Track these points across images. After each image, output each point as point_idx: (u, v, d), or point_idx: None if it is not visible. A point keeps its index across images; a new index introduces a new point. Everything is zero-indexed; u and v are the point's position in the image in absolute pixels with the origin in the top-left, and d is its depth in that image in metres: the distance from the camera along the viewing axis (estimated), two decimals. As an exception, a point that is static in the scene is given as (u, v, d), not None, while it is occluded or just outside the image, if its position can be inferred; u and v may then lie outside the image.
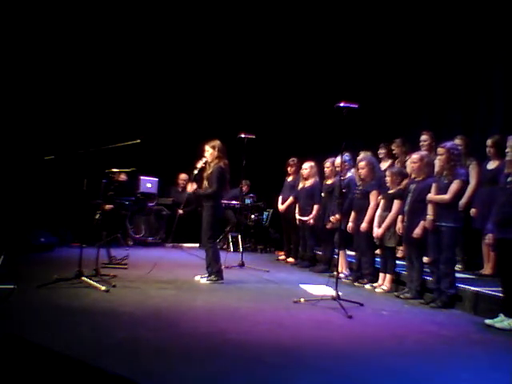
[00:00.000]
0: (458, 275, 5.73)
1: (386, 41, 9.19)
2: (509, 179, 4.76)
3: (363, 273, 6.67)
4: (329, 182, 7.56)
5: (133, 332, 4.05)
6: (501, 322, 4.63)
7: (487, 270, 6.25)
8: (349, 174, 7.10)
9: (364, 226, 6.50)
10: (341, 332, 4.43)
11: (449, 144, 5.63)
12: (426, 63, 8.54)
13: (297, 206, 8.23)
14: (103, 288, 5.41)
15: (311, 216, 7.87)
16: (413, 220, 5.78)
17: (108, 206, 8.27)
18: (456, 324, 4.90)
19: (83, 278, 5.59)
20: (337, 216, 6.87)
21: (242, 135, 7.80)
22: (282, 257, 8.91)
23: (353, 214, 6.77)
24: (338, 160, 6.80)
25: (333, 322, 4.73)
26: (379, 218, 6.33)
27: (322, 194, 7.67)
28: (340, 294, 5.28)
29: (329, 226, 7.27)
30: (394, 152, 7.33)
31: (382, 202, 6.39)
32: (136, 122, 9.87)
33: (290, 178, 8.69)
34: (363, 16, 9.45)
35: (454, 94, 8.06)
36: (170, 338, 3.93)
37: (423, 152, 6.24)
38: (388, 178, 6.30)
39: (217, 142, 6.42)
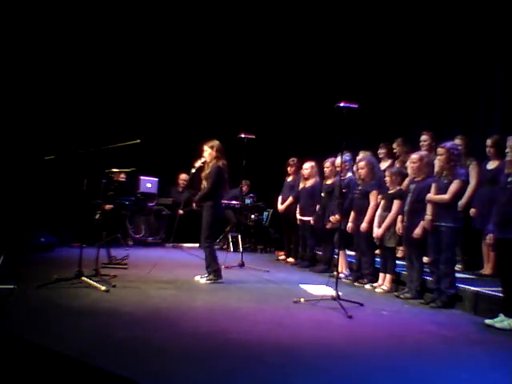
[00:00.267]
0: (458, 275, 5.73)
1: (386, 41, 9.19)
2: (509, 179, 4.76)
3: (363, 273, 6.67)
4: (329, 181, 7.56)
5: (133, 332, 4.05)
6: (501, 321, 4.63)
7: (487, 270, 6.25)
8: (349, 174, 7.09)
9: (364, 226, 6.50)
10: (341, 332, 4.43)
11: (449, 144, 5.62)
12: (426, 63, 8.54)
13: (297, 205, 8.23)
14: (103, 288, 5.41)
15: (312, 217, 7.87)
16: (413, 220, 5.78)
17: (108, 206, 8.27)
18: (456, 324, 4.90)
19: (83, 278, 5.59)
20: (337, 216, 6.87)
21: (242, 135, 7.80)
22: (282, 257, 8.91)
23: (352, 214, 6.77)
24: (339, 160, 6.79)
25: (333, 322, 4.73)
26: (379, 218, 6.33)
27: (322, 194, 7.67)
28: (340, 294, 5.28)
29: (329, 225, 7.27)
30: (394, 151, 7.34)
31: (382, 202, 6.39)
32: (136, 122, 9.87)
33: (289, 178, 8.69)
34: (363, 16, 9.45)
35: (454, 94, 8.06)
36: (170, 338, 3.93)
37: (423, 152, 6.24)
38: (387, 178, 6.30)
39: (215, 142, 6.42)
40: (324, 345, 4.00)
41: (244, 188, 9.93)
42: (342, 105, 5.39)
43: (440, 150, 5.59)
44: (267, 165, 10.19)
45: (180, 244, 9.96)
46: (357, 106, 5.45)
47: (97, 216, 6.26)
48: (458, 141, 6.32)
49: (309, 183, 8.07)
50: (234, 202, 9.87)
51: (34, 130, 9.26)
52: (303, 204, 8.07)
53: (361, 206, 6.64)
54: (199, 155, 6.50)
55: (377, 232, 6.28)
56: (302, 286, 6.31)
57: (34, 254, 7.75)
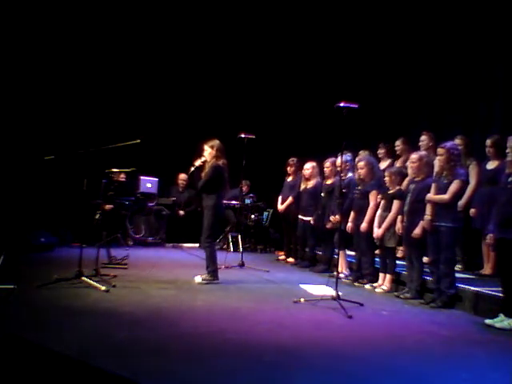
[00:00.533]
0: (458, 275, 5.73)
1: (386, 41, 9.19)
2: (509, 179, 4.76)
3: (363, 273, 6.67)
4: (329, 181, 7.56)
5: (133, 332, 4.05)
6: (501, 321, 4.63)
7: (487, 270, 6.24)
8: (349, 174, 7.09)
9: (364, 226, 6.50)
10: (341, 332, 4.43)
11: (449, 144, 5.62)
12: (426, 63, 8.54)
13: (298, 205, 8.22)
14: (103, 288, 5.41)
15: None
16: (412, 220, 5.78)
17: (108, 206, 8.27)
18: (456, 324, 4.90)
19: (83, 278, 5.59)
20: (337, 216, 6.87)
21: (242, 135, 7.80)
22: (282, 257, 8.91)
23: (352, 214, 6.77)
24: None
25: (333, 322, 4.73)
26: (379, 218, 6.32)
27: (322, 194, 7.67)
28: (340, 294, 5.28)
29: (329, 225, 7.27)
30: (396, 150, 7.35)
31: (381, 203, 6.39)
32: (136, 122, 9.87)
33: (289, 178, 8.68)
34: (363, 16, 9.45)
35: (454, 94, 8.06)
36: (170, 338, 3.94)
37: (422, 152, 6.24)
38: (387, 178, 6.29)
39: (215, 142, 6.42)
40: (324, 345, 4.00)
41: (244, 188, 9.93)
42: (342, 105, 5.39)
43: (440, 151, 5.59)
44: (267, 165, 10.18)
45: (180, 244, 9.96)
46: (357, 106, 5.45)
47: (97, 216, 6.27)
48: (458, 141, 6.32)
49: (310, 184, 8.06)
50: (233, 201, 9.86)
51: (34, 130, 9.26)
52: (305, 204, 8.06)
53: (361, 206, 6.64)
54: (199, 155, 6.50)
55: (377, 232, 6.28)
56: (301, 285, 6.31)
57: (34, 253, 7.75)
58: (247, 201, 10.09)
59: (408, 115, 8.77)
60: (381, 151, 7.64)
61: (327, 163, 7.52)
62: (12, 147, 8.84)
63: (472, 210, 6.27)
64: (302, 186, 8.22)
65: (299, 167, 8.43)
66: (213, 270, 6.29)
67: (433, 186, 5.63)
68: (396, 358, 3.74)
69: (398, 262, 6.39)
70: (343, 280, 6.79)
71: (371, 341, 4.18)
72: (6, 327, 3.92)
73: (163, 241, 10.03)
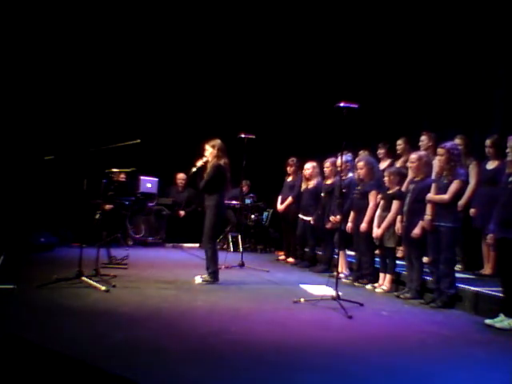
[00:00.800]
0: (458, 275, 5.73)
1: (386, 41, 9.19)
2: (510, 179, 4.76)
3: (363, 273, 6.67)
4: (328, 182, 7.56)
5: (133, 332, 4.05)
6: (501, 321, 4.63)
7: (487, 270, 6.24)
8: (350, 174, 7.09)
9: (363, 226, 6.50)
10: (341, 332, 4.43)
11: (449, 144, 5.62)
12: (426, 63, 8.53)
13: (299, 205, 8.22)
14: (103, 288, 5.41)
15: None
16: (412, 220, 5.78)
17: (108, 206, 8.27)
18: (456, 324, 4.90)
19: (83, 278, 5.59)
20: (337, 217, 6.86)
21: (242, 135, 7.80)
22: (282, 257, 8.91)
23: (352, 214, 6.77)
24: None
25: (333, 322, 4.73)
26: (379, 218, 6.32)
27: (322, 194, 7.67)
28: (340, 293, 5.28)
29: (328, 225, 7.27)
30: (397, 149, 7.35)
31: (381, 203, 6.39)
32: (136, 122, 9.87)
33: (289, 178, 8.68)
34: (363, 16, 9.44)
35: (454, 94, 8.05)
36: (169, 338, 3.94)
37: (422, 152, 6.23)
38: (386, 178, 6.30)
39: (217, 141, 6.41)
40: (324, 345, 4.00)
41: (244, 188, 9.93)
42: (342, 105, 5.39)
43: (440, 151, 5.59)
44: (267, 165, 10.18)
45: (180, 244, 9.96)
46: (357, 106, 5.45)
47: (97, 216, 6.27)
48: (457, 141, 6.32)
49: (311, 184, 8.05)
50: (234, 201, 9.86)
51: (34, 130, 9.26)
52: (305, 204, 8.06)
53: (360, 206, 6.64)
54: (199, 155, 6.49)
55: (376, 232, 6.28)
56: (302, 286, 6.31)
57: (34, 253, 7.75)
58: (247, 201, 10.09)
59: (408, 115, 8.77)
60: (381, 151, 7.65)
61: (327, 163, 7.52)
62: (12, 147, 8.84)
63: (472, 210, 6.27)
64: (303, 186, 8.22)
65: (299, 167, 8.43)
66: (213, 271, 6.28)
67: (433, 185, 5.63)
68: (396, 358, 3.74)
69: (398, 262, 6.39)
70: (343, 280, 6.78)
71: (371, 341, 4.18)
72: (6, 327, 3.92)
73: (163, 241, 10.03)
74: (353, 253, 7.06)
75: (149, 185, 9.93)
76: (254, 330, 4.27)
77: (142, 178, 9.79)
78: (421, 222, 5.66)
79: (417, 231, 5.70)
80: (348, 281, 6.83)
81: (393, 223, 6.14)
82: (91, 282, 5.55)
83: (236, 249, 9.38)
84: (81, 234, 6.60)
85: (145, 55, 10.38)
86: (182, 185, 10.57)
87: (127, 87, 10.25)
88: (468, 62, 7.86)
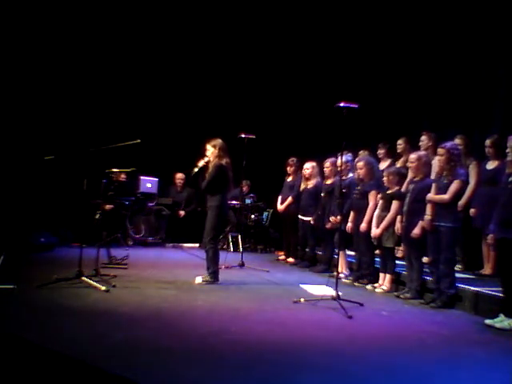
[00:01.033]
0: (458, 275, 5.73)
1: (386, 41, 9.19)
2: (510, 179, 4.76)
3: (363, 273, 6.67)
4: (328, 182, 7.56)
5: (133, 332, 4.05)
6: (501, 322, 4.63)
7: (487, 270, 6.25)
8: (350, 175, 7.09)
9: (363, 226, 6.50)
10: (341, 332, 4.43)
11: (449, 144, 5.62)
12: (426, 63, 8.53)
13: (299, 205, 8.22)
14: (103, 288, 5.41)
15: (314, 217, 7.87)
16: (411, 220, 5.78)
17: (108, 206, 8.27)
18: (456, 324, 4.90)
19: (83, 278, 5.59)
20: (338, 217, 6.85)
21: (242, 135, 7.80)
22: (282, 257, 8.91)
23: (352, 214, 6.77)
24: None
25: (333, 322, 4.73)
26: (377, 218, 6.32)
27: (322, 194, 7.67)
28: (340, 293, 5.28)
29: (328, 226, 7.27)
30: (398, 149, 7.35)
31: (380, 202, 6.39)
32: (136, 122, 9.87)
33: (289, 178, 8.68)
34: (363, 16, 9.44)
35: (454, 94, 8.05)
36: (169, 338, 3.94)
37: (421, 152, 6.23)
38: (385, 178, 6.30)
39: (218, 141, 6.40)
40: (324, 345, 4.00)
41: (244, 188, 9.93)
42: (342, 105, 5.39)
43: (440, 151, 5.59)
44: (267, 165, 10.18)
45: (180, 244, 9.96)
46: (357, 106, 5.45)
47: (97, 216, 6.27)
48: (457, 141, 6.32)
49: (311, 183, 8.05)
50: (234, 201, 9.86)
51: (34, 130, 9.26)
52: (305, 204, 8.06)
53: (360, 206, 6.64)
54: (200, 155, 6.49)
55: (375, 232, 6.28)
56: (302, 286, 6.31)
57: (34, 253, 7.75)
58: (247, 201, 10.10)
59: (408, 115, 8.77)
60: (381, 151, 7.64)
61: (327, 163, 7.52)
62: (12, 147, 8.84)
63: (472, 210, 6.27)
64: (302, 186, 8.21)
65: (299, 167, 8.43)
66: (213, 271, 6.28)
67: (433, 185, 5.63)
68: (396, 358, 3.74)
69: (398, 262, 6.39)
70: (343, 280, 6.78)
71: (371, 341, 4.18)
72: (6, 327, 3.92)
73: (163, 241, 10.03)
74: (353, 253, 7.06)
75: (149, 185, 9.93)
76: (253, 330, 4.27)
77: (141, 177, 9.79)
78: (420, 221, 5.66)
79: (416, 231, 5.70)
80: (348, 281, 6.82)
81: (392, 223, 6.14)
82: (91, 282, 5.55)
83: (236, 249, 9.38)
84: (81, 234, 6.60)
85: (145, 55, 10.38)
86: (180, 185, 10.58)
87: (127, 87, 10.25)
88: (468, 62, 7.86)
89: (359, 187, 6.74)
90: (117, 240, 8.72)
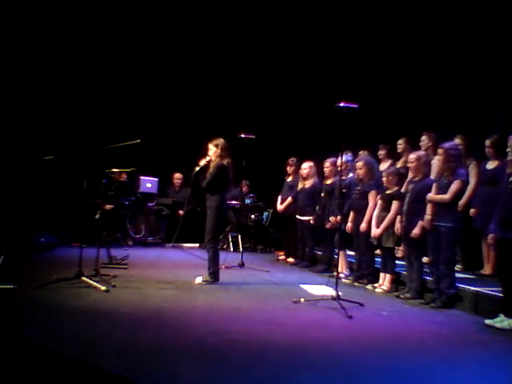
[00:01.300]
0: (458, 275, 5.73)
1: (386, 41, 9.19)
2: (510, 179, 4.76)
3: (363, 273, 6.67)
4: (328, 182, 7.56)
5: (133, 332, 4.05)
6: (501, 322, 4.63)
7: (487, 270, 6.25)
8: (350, 175, 7.09)
9: (363, 226, 6.50)
10: (341, 332, 4.43)
11: (447, 144, 5.63)
12: (426, 63, 8.53)
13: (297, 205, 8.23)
14: (103, 288, 5.41)
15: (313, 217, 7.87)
16: (411, 220, 5.78)
17: (108, 206, 8.27)
18: (456, 324, 4.90)
19: (83, 278, 5.59)
20: (338, 217, 6.85)
21: (242, 135, 7.80)
22: (282, 257, 8.91)
23: (352, 214, 6.77)
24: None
25: (333, 322, 4.73)
26: (377, 218, 6.32)
27: (322, 194, 7.67)
28: (340, 293, 5.28)
29: (329, 225, 7.27)
30: (398, 149, 7.35)
31: (379, 203, 6.39)
32: (136, 122, 9.87)
33: (289, 178, 8.68)
34: (363, 16, 9.45)
35: (454, 94, 8.05)
36: (169, 338, 3.94)
37: (420, 152, 6.24)
38: (384, 179, 6.30)
39: (220, 141, 6.38)
40: (324, 345, 4.00)
41: (244, 188, 9.93)
42: (342, 105, 5.39)
43: (439, 151, 5.61)
44: (267, 165, 10.18)
45: (180, 244, 9.96)
46: (357, 106, 5.45)
47: (97, 216, 6.27)
48: (457, 141, 6.32)
49: (308, 183, 8.06)
50: (234, 201, 9.87)
51: (34, 130, 9.26)
52: (302, 204, 8.06)
53: (360, 206, 6.64)
54: (200, 155, 6.49)
55: (375, 232, 6.28)
56: (302, 286, 6.31)
57: (34, 253, 7.75)
58: (247, 201, 10.09)
59: (408, 115, 8.77)
60: (381, 152, 7.64)
61: (327, 163, 7.52)
62: (12, 147, 8.84)
63: (472, 210, 6.27)
64: (300, 186, 8.21)
65: (299, 167, 8.43)
66: (214, 271, 6.27)
67: (434, 185, 5.64)
68: (396, 358, 3.74)
69: (398, 262, 6.39)
70: (343, 280, 6.78)
71: (371, 341, 4.18)
72: (6, 327, 3.92)
73: (163, 241, 10.03)
74: (353, 253, 7.06)
75: (149, 185, 9.93)
76: (253, 330, 4.27)
77: (141, 177, 9.79)
78: (420, 221, 5.66)
79: (416, 231, 5.70)
80: (348, 281, 6.83)
81: (392, 223, 6.14)
82: (91, 282, 5.55)
83: (236, 249, 9.38)
84: (81, 234, 6.59)
85: (145, 55, 10.38)
86: (178, 184, 10.58)
87: (127, 87, 10.25)
88: (468, 62, 7.86)
89: (359, 187, 6.74)
90: (117, 240, 8.71)
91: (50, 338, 3.72)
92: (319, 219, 7.66)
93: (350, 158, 7.17)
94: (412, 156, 5.98)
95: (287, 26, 10.23)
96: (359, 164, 6.71)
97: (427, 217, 5.57)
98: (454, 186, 5.44)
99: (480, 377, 3.48)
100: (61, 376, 3.20)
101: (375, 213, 6.38)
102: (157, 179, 10.05)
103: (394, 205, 6.16)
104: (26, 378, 3.15)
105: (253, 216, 10.04)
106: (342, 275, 6.85)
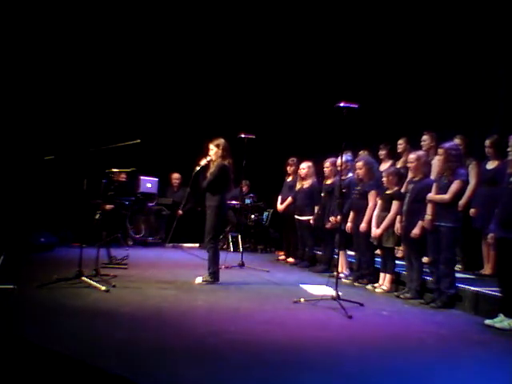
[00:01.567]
0: (458, 275, 5.73)
1: (386, 41, 9.19)
2: (511, 179, 4.76)
3: (363, 273, 6.67)
4: (328, 181, 7.55)
5: (133, 332, 4.05)
6: (501, 322, 4.63)
7: (487, 270, 6.25)
8: (350, 174, 7.09)
9: (363, 226, 6.50)
10: (341, 332, 4.43)
11: (447, 144, 5.63)
12: (427, 63, 8.53)
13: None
14: (103, 288, 5.41)
15: (312, 217, 7.86)
16: (411, 220, 5.78)
17: (108, 206, 8.27)
18: (456, 324, 4.90)
19: (83, 278, 5.59)
20: (338, 217, 6.85)
21: (242, 135, 7.80)
22: (282, 257, 8.91)
23: (351, 214, 6.77)
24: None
25: (333, 322, 4.73)
26: (377, 218, 6.32)
27: (322, 194, 7.67)
28: (340, 293, 5.28)
29: (328, 226, 7.27)
30: (398, 149, 7.35)
31: (379, 203, 6.39)
32: (136, 122, 9.87)
33: (289, 178, 8.68)
34: (363, 16, 9.44)
35: (455, 94, 8.05)
36: (170, 338, 3.94)
37: (420, 152, 6.24)
38: (385, 179, 6.30)
39: (221, 141, 6.38)
40: (324, 345, 4.00)
41: (244, 188, 9.93)
42: (342, 105, 5.39)
43: (440, 151, 5.62)
44: (267, 165, 10.18)
45: (180, 244, 9.96)
46: (357, 106, 5.45)
47: (97, 216, 6.27)
48: (457, 141, 6.32)
49: (306, 183, 8.06)
50: (234, 201, 9.87)
51: (34, 130, 9.26)
52: (301, 204, 8.06)
53: (360, 206, 6.64)
54: (199, 155, 6.48)
55: (375, 232, 6.28)
56: (302, 285, 6.31)
57: (34, 253, 7.75)
58: (247, 201, 10.09)
59: (408, 115, 8.76)
60: (382, 152, 7.63)
61: (327, 163, 7.52)
62: (12, 147, 8.84)
63: (472, 210, 6.27)
64: (298, 186, 8.21)
65: (299, 167, 8.43)
66: (214, 271, 6.27)
67: (434, 185, 5.64)
68: (396, 358, 3.74)
69: (398, 262, 6.39)
70: (343, 280, 6.78)
71: (371, 341, 4.18)
72: (6, 327, 3.92)
73: (163, 241, 10.03)
74: (353, 253, 7.06)
75: (149, 185, 9.94)
76: (253, 330, 4.27)
77: (141, 177, 9.80)
78: (420, 221, 5.66)
79: (416, 231, 5.70)
80: (348, 281, 6.83)
81: (392, 223, 6.14)
82: (91, 282, 5.55)
83: (236, 249, 9.38)
84: (81, 234, 6.60)
85: (145, 55, 10.38)
86: (176, 184, 10.58)
87: (127, 87, 10.25)
88: (468, 62, 7.86)
89: (359, 187, 6.74)
90: (117, 240, 8.71)
91: (50, 338, 3.72)
92: (319, 219, 7.66)
93: (349, 158, 7.17)
94: (412, 156, 5.98)
95: (287, 27, 10.23)
96: (359, 164, 6.71)
97: (427, 217, 5.57)
98: (454, 186, 5.44)
99: (480, 377, 3.49)
100: (61, 376, 3.20)
101: (375, 213, 6.38)
102: (157, 179, 10.05)
103: (394, 205, 6.16)
104: (26, 377, 3.15)
105: (253, 216, 10.04)
106: (342, 275, 6.85)
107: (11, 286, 5.10)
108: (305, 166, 8.06)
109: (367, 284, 6.50)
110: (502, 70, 7.39)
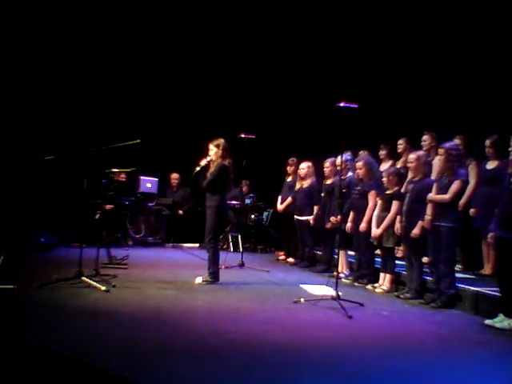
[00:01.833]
0: (458, 275, 5.73)
1: (386, 41, 9.19)
2: (511, 179, 4.76)
3: (363, 273, 6.67)
4: (328, 181, 7.55)
5: (133, 332, 4.05)
6: (501, 322, 4.63)
7: (487, 270, 6.25)
8: (349, 174, 7.09)
9: (363, 226, 6.50)
10: (341, 332, 4.43)
11: (448, 144, 5.64)
12: (427, 63, 8.53)
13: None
14: (103, 288, 5.41)
15: (312, 217, 7.86)
16: (411, 220, 5.78)
17: (108, 206, 8.27)
18: (456, 324, 4.90)
19: (83, 278, 5.59)
20: (338, 217, 6.85)
21: (242, 135, 7.80)
22: (282, 257, 8.91)
23: (351, 214, 6.77)
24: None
25: (333, 322, 4.73)
26: (377, 218, 6.33)
27: (322, 194, 7.67)
28: (340, 293, 5.28)
29: (328, 225, 7.27)
30: (398, 148, 7.35)
31: (379, 203, 6.39)
32: (136, 122, 9.87)
33: (289, 178, 8.68)
34: (363, 16, 9.44)
35: (455, 94, 8.05)
36: (170, 338, 3.94)
37: (420, 152, 6.24)
38: (385, 179, 6.30)
39: (221, 141, 6.38)
40: (324, 345, 4.00)
41: (244, 188, 9.93)
42: (342, 105, 5.39)
43: (440, 151, 5.62)
44: (267, 165, 10.19)
45: (180, 244, 9.96)
46: (357, 106, 5.45)
47: (97, 216, 6.27)
48: (457, 141, 6.32)
49: (306, 183, 8.06)
50: (234, 201, 9.87)
51: (34, 130, 9.26)
52: (300, 204, 8.06)
53: (360, 206, 6.64)
54: (199, 155, 6.48)
55: (375, 232, 6.28)
56: (302, 285, 6.31)
57: (34, 253, 7.75)
58: (247, 201, 10.09)
59: (408, 115, 8.76)
60: (382, 152, 7.63)
61: (327, 163, 7.52)
62: (12, 147, 8.84)
63: (472, 210, 6.27)
64: (297, 186, 8.21)
65: (299, 167, 8.43)
66: (214, 271, 6.28)
67: (434, 185, 5.64)
68: (396, 358, 3.74)
69: (398, 262, 6.39)
70: (343, 280, 6.78)
71: (371, 341, 4.18)
72: (6, 327, 3.92)
73: (163, 241, 10.03)
74: (353, 253, 7.06)
75: (149, 185, 9.94)
76: (253, 330, 4.27)
77: (141, 177, 9.80)
78: (420, 221, 5.66)
79: (416, 231, 5.70)
80: (348, 281, 6.83)
81: (392, 223, 6.14)
82: (91, 282, 5.55)
83: (236, 249, 9.38)
84: (81, 234, 6.60)
85: (145, 55, 10.38)
86: (175, 184, 10.58)
87: (127, 87, 10.25)
88: (468, 62, 7.86)
89: (359, 187, 6.75)
90: (117, 240, 8.71)
91: (50, 338, 3.72)
92: (319, 219, 7.66)
93: (349, 158, 7.17)
94: (412, 156, 5.98)
95: (287, 27, 10.23)
96: (359, 164, 6.71)
97: (427, 217, 5.57)
98: (455, 186, 5.44)
99: (480, 377, 3.49)
100: (61, 376, 3.20)
101: (375, 213, 6.39)
102: (157, 179, 10.05)
103: (394, 205, 6.16)
104: (26, 377, 3.15)
105: (253, 216, 10.04)
106: (342, 275, 6.85)
107: (11, 286, 5.10)
108: (304, 166, 8.06)
109: (367, 284, 6.50)
110: (502, 69, 7.39)
